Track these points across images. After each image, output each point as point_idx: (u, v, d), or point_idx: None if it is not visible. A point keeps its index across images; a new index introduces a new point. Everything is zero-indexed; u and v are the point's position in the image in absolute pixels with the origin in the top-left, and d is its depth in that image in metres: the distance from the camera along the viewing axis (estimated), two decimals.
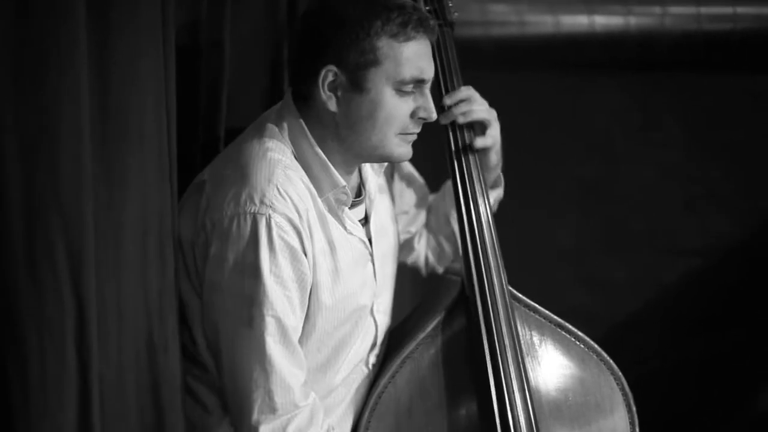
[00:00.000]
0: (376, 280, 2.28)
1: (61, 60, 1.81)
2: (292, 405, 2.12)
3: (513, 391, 2.26)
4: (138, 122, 1.97)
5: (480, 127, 2.37)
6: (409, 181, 2.52)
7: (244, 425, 2.12)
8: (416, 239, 2.55)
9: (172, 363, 2.10)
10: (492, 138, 2.37)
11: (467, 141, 2.35)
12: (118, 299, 1.97)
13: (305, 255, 2.12)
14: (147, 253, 2.02)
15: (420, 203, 2.55)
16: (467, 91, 2.35)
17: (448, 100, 2.35)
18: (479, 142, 2.35)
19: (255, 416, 2.10)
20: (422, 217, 2.55)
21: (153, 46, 1.99)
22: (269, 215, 2.07)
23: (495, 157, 2.40)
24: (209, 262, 2.10)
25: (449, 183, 2.52)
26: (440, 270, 2.59)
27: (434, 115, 2.20)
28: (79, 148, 1.83)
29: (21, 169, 1.80)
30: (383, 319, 2.32)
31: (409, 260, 2.56)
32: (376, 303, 2.29)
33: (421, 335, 2.29)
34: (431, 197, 2.57)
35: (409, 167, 2.53)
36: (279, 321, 2.09)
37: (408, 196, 2.52)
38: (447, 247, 2.56)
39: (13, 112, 1.79)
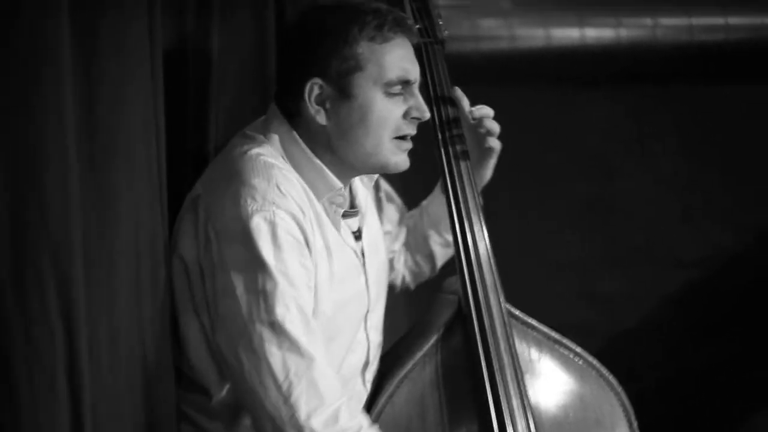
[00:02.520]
0: (368, 294, 2.26)
1: (45, 81, 1.80)
2: (337, 391, 2.07)
3: (513, 408, 2.24)
4: (127, 142, 1.96)
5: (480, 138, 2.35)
6: (389, 199, 2.51)
7: (290, 425, 2.03)
8: (396, 258, 2.54)
9: (166, 389, 2.08)
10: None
11: (460, 159, 2.34)
12: (110, 326, 1.95)
13: (310, 252, 2.10)
14: (140, 277, 2.01)
15: (401, 221, 2.53)
16: (489, 110, 2.35)
17: (476, 113, 2.33)
18: (495, 143, 2.35)
19: (304, 411, 2.03)
20: (403, 235, 2.53)
21: (141, 65, 1.99)
22: (273, 212, 2.05)
23: (490, 173, 2.39)
24: (218, 270, 2.07)
25: (425, 202, 2.52)
26: (412, 288, 2.57)
27: (427, 114, 2.20)
28: (66, 172, 1.82)
29: (7, 197, 1.78)
30: (375, 336, 2.29)
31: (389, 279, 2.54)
32: (368, 318, 2.27)
33: (419, 354, 2.27)
34: (408, 215, 2.55)
35: (387, 186, 2.51)
36: (300, 310, 2.05)
37: (390, 215, 2.50)
38: (424, 267, 2.54)
39: None
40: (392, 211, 2.51)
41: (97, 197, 1.90)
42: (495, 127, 2.34)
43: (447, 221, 2.35)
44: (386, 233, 2.48)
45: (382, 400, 2.24)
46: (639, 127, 3.34)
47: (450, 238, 2.38)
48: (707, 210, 3.41)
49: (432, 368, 2.27)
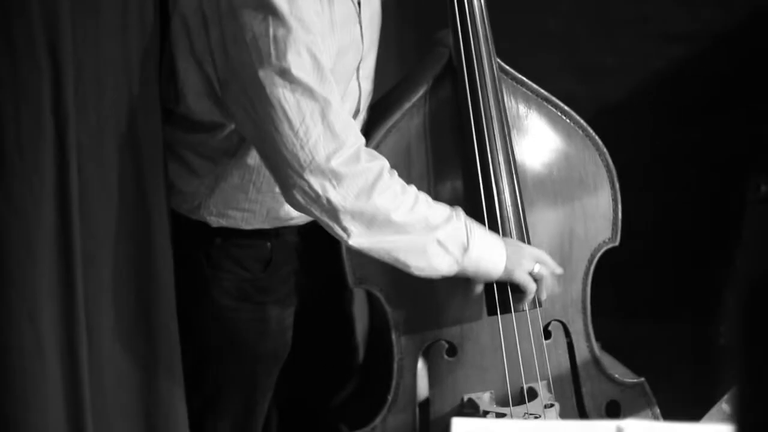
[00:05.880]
0: (363, 43, 2.22)
1: None
2: (355, 134, 2.07)
3: (498, 163, 2.25)
4: None
5: None
6: None
7: (309, 170, 2.02)
8: None
9: (153, 126, 2.07)
10: None
11: None
12: (96, 63, 1.93)
13: None
14: (127, 13, 1.97)
15: None
16: None
17: None
18: None
19: (323, 154, 2.01)
20: None
21: None
22: None
23: None
24: (226, 18, 2.01)
25: None
26: None
27: None
28: None
29: None
30: (366, 85, 2.27)
31: None
32: (361, 67, 2.23)
33: (407, 105, 2.25)
34: None
35: None
36: (313, 57, 2.02)
37: None
38: None
39: None
40: None
41: None
42: None
43: None
44: None
45: (369, 147, 2.23)
46: None
47: None
48: None
49: (420, 119, 2.26)
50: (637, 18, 3.37)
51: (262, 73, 2.00)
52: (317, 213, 2.05)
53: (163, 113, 2.11)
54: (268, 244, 2.22)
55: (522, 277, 2.21)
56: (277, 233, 2.23)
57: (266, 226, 2.21)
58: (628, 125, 3.36)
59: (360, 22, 2.21)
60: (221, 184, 2.16)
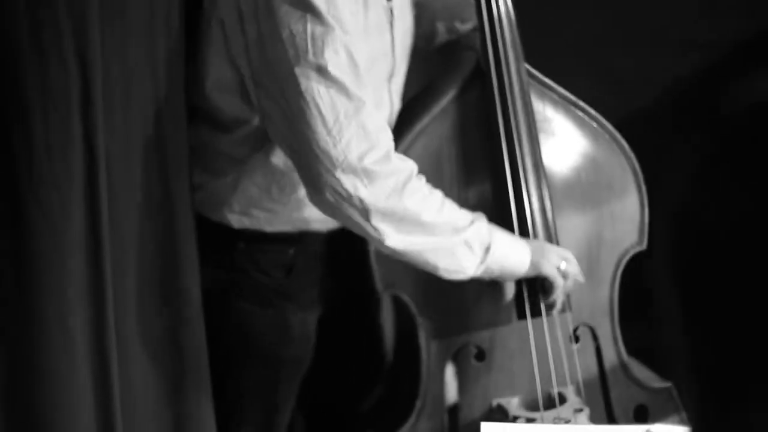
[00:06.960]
0: (394, 55, 2.21)
1: None
2: (387, 136, 2.07)
3: (526, 167, 2.25)
4: None
5: None
6: None
7: (341, 168, 2.01)
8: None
9: (178, 129, 2.07)
10: None
11: None
12: (124, 67, 1.94)
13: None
14: (153, 18, 1.98)
15: None
16: None
17: None
18: None
19: (355, 153, 2.01)
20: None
21: None
22: None
23: None
24: (263, 16, 2.00)
25: None
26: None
27: None
28: None
29: None
30: (396, 101, 2.26)
31: None
32: (392, 81, 2.23)
33: (436, 109, 2.25)
34: None
35: None
36: (350, 56, 2.02)
37: None
38: (442, 34, 2.46)
39: None
40: None
41: None
42: None
43: (460, 14, 2.34)
44: None
45: (398, 152, 2.23)
46: None
47: (458, 26, 2.36)
48: None
49: (448, 123, 2.26)
50: (658, 25, 3.37)
51: (298, 70, 1.99)
52: (347, 212, 2.05)
53: (187, 113, 2.11)
54: (291, 250, 2.22)
55: (550, 270, 2.21)
56: (301, 239, 2.22)
57: (289, 228, 2.20)
58: (649, 132, 3.36)
59: (392, 32, 2.20)
60: (244, 182, 2.15)
